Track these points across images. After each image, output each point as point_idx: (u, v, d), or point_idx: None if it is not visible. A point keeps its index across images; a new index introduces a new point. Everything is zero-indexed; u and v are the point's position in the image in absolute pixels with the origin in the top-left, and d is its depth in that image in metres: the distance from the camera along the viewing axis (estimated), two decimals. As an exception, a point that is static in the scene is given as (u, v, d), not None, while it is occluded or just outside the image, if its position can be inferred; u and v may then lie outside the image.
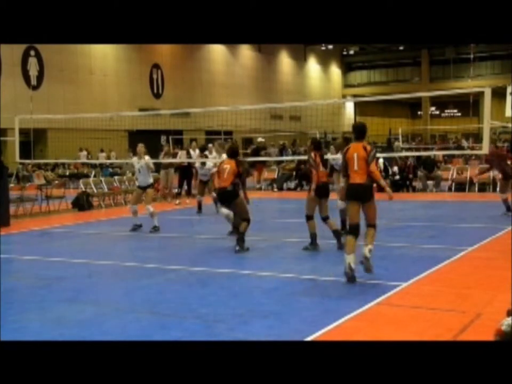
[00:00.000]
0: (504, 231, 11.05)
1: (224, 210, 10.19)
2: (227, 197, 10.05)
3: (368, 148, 7.93)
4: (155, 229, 11.97)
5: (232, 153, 10.32)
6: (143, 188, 12.31)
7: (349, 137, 10.43)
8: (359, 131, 8.01)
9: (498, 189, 15.33)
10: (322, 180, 9.58)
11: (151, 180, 12.42)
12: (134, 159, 12.75)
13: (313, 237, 9.78)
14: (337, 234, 9.84)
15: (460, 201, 17.53)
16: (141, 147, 12.56)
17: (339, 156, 11.53)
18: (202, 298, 6.86)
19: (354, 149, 7.81)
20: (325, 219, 9.72)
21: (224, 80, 43.66)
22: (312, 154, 9.64)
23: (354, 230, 7.71)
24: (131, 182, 19.67)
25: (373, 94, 47.23)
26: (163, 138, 31.12)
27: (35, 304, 6.83)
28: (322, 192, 9.58)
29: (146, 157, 12.36)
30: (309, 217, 9.75)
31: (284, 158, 24.21)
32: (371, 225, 7.80)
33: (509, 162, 13.92)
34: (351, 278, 7.42)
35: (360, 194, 7.77)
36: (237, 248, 9.64)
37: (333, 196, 11.29)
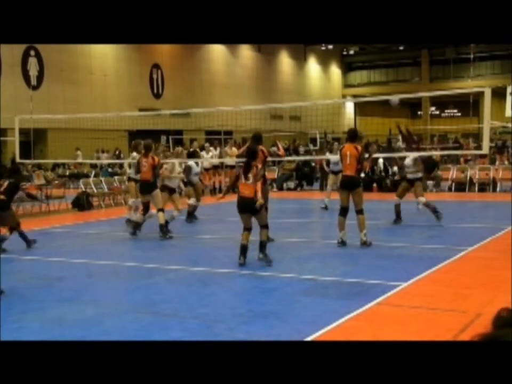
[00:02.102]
0: (504, 231, 11.05)
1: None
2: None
3: (360, 148, 10.22)
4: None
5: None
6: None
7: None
8: (352, 135, 10.36)
9: None
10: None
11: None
12: (134, 154, 13.32)
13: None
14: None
15: (460, 201, 17.53)
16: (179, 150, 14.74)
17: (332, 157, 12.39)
18: (202, 298, 6.86)
19: (347, 148, 10.06)
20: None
21: (224, 80, 43.66)
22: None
23: (343, 212, 10.02)
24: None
25: (373, 94, 47.23)
26: (163, 138, 31.13)
27: (35, 304, 6.83)
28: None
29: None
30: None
31: (284, 158, 24.18)
32: (358, 211, 9.90)
33: None
34: (341, 245, 9.90)
35: (349, 184, 9.99)
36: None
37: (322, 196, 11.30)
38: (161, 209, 11.33)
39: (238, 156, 12.81)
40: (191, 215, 13.52)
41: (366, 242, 9.84)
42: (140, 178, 11.69)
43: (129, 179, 13.57)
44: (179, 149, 15.14)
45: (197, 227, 13.09)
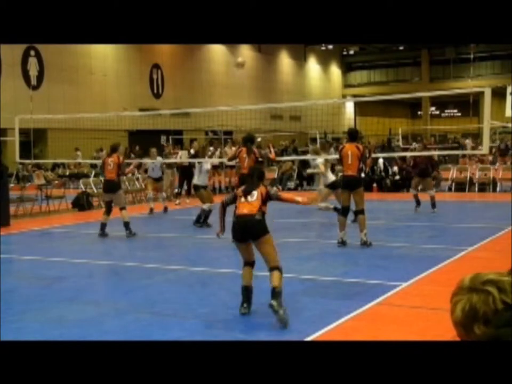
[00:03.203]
0: (504, 231, 11.05)
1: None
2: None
3: (361, 147, 10.20)
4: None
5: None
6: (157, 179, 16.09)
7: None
8: (352, 134, 10.30)
9: None
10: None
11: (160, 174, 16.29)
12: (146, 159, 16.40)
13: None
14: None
15: (460, 201, 17.52)
16: (153, 151, 16.08)
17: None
18: (202, 298, 6.86)
19: (348, 148, 9.93)
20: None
21: (224, 80, 43.65)
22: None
23: (345, 212, 10.03)
24: (131, 182, 19.68)
25: (373, 94, 47.19)
26: (163, 138, 31.10)
27: (35, 304, 6.83)
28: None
29: (159, 158, 16.11)
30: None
31: (284, 158, 24.20)
32: (359, 211, 9.93)
33: None
34: (341, 245, 9.89)
35: (350, 184, 9.93)
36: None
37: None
38: (123, 208, 11.70)
39: (229, 159, 12.60)
40: (206, 218, 12.85)
41: (366, 242, 9.84)
42: (105, 178, 12.22)
43: (148, 177, 16.12)
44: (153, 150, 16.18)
45: (197, 227, 13.07)
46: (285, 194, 6.88)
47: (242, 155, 10.68)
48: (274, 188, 6.95)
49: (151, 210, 15.12)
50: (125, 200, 12.21)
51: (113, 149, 12.20)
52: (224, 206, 6.56)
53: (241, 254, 6.45)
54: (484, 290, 1.52)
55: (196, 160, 14.53)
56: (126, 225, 11.61)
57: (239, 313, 6.20)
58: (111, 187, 11.81)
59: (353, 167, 9.90)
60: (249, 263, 6.41)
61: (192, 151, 19.61)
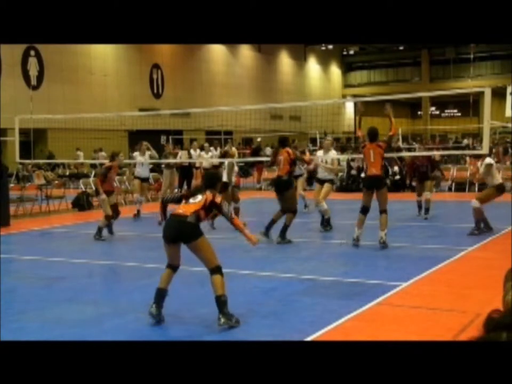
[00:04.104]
0: (504, 231, 11.05)
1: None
2: (282, 186, 10.44)
3: (383, 144, 10.13)
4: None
5: (283, 142, 10.98)
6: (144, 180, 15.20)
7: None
8: (372, 134, 10.14)
9: None
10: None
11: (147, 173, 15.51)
12: (136, 154, 15.16)
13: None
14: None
15: (460, 201, 17.52)
16: (145, 144, 15.13)
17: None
18: (202, 298, 6.85)
19: (370, 147, 9.90)
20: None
21: (224, 80, 43.64)
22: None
23: (365, 211, 9.87)
24: (131, 182, 19.68)
25: (373, 94, 47.18)
26: (163, 138, 31.10)
27: (35, 304, 6.83)
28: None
29: (148, 153, 15.03)
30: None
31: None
32: (383, 210, 9.74)
33: None
34: (355, 244, 9.80)
35: (374, 184, 9.86)
36: (278, 240, 10.30)
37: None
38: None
39: (270, 165, 12.57)
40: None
41: (385, 242, 9.68)
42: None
43: (135, 177, 15.16)
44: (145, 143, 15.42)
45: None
46: (236, 221, 6.18)
47: (278, 157, 10.64)
48: (230, 208, 5.57)
49: (138, 212, 14.41)
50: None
51: (112, 157, 12.05)
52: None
53: (167, 255, 6.14)
54: None
55: (220, 160, 14.67)
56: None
57: (149, 313, 5.94)
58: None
59: (376, 164, 9.87)
60: (172, 266, 6.14)
61: (192, 151, 19.64)
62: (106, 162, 12.24)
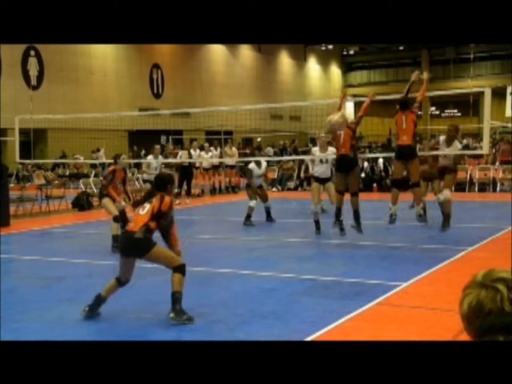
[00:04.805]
0: (504, 231, 11.05)
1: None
2: (348, 164, 9.57)
3: (416, 110, 9.58)
4: None
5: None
6: None
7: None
8: (403, 103, 9.59)
9: None
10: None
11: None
12: (150, 157, 14.92)
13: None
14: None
15: (460, 201, 17.52)
16: (158, 148, 15.32)
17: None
18: (202, 298, 6.86)
19: (401, 114, 9.36)
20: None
21: (224, 80, 43.64)
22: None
23: (397, 184, 9.64)
24: (131, 182, 19.68)
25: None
26: (163, 138, 31.11)
27: (35, 304, 6.83)
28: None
29: (160, 157, 14.98)
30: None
31: (284, 158, 24.22)
32: (415, 183, 9.40)
33: None
34: (392, 221, 9.70)
35: (405, 154, 9.32)
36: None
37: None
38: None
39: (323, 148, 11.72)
40: (249, 217, 12.67)
41: (421, 216, 9.52)
42: None
43: (144, 181, 14.23)
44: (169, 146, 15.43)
45: (197, 227, 13.08)
46: (174, 233, 6.18)
47: (336, 133, 9.70)
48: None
49: None
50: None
51: (114, 160, 11.15)
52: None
53: (119, 267, 6.17)
54: (494, 287, 1.50)
55: (220, 160, 14.71)
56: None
57: (81, 313, 6.08)
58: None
59: (408, 131, 9.26)
60: (120, 281, 6.18)
61: (192, 151, 19.64)
62: (106, 160, 11.92)
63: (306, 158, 17.96)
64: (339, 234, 10.25)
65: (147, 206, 6.01)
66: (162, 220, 5.99)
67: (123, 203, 10.32)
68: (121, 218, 9.84)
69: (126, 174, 10.75)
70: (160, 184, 6.22)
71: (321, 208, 13.16)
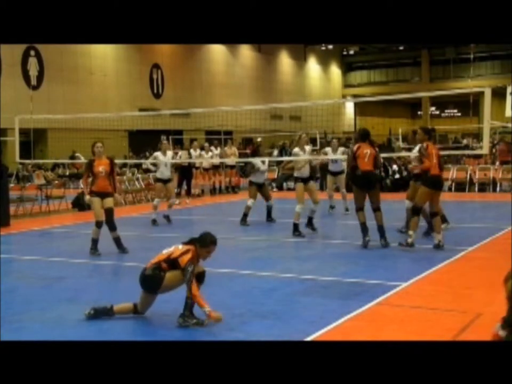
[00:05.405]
0: (504, 231, 11.05)
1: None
2: (374, 180, 9.70)
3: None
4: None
5: (364, 136, 9.90)
6: (167, 181, 13.39)
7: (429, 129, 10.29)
8: (364, 135, 9.80)
9: None
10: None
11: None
12: (158, 154, 13.47)
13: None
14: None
15: (460, 201, 17.52)
16: (166, 143, 14.30)
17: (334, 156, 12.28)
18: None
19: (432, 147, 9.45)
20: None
21: (224, 80, 43.65)
22: (425, 145, 9.48)
23: (417, 212, 9.49)
24: (131, 182, 19.68)
25: (373, 94, 47.21)
26: (163, 138, 31.09)
27: (35, 304, 6.83)
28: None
29: (170, 153, 13.79)
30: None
31: (284, 158, 24.21)
32: (433, 213, 9.43)
33: None
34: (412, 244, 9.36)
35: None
36: (383, 242, 9.65)
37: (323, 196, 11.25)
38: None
39: (349, 164, 11.55)
40: (245, 216, 12.64)
41: (440, 244, 9.35)
42: None
43: (157, 180, 13.77)
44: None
45: (197, 227, 13.06)
46: (194, 288, 5.79)
47: (362, 151, 9.62)
48: (190, 273, 5.32)
49: (155, 221, 13.08)
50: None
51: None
52: None
53: (139, 298, 6.13)
54: None
55: (221, 160, 14.57)
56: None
57: (84, 314, 6.07)
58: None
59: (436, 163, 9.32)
60: (136, 309, 6.12)
61: (192, 151, 19.65)
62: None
63: (306, 158, 17.89)
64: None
65: (173, 247, 6.04)
66: (178, 269, 5.84)
67: (87, 196, 9.86)
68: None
69: (113, 163, 9.97)
70: (203, 239, 6.04)
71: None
